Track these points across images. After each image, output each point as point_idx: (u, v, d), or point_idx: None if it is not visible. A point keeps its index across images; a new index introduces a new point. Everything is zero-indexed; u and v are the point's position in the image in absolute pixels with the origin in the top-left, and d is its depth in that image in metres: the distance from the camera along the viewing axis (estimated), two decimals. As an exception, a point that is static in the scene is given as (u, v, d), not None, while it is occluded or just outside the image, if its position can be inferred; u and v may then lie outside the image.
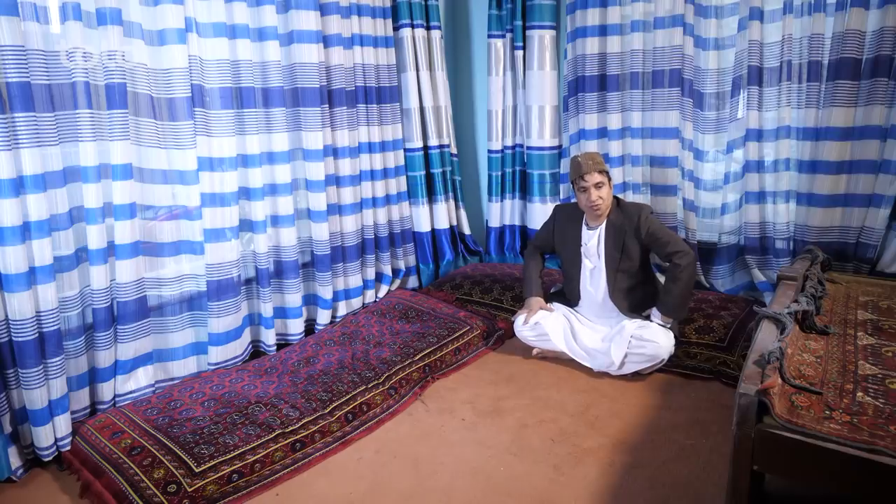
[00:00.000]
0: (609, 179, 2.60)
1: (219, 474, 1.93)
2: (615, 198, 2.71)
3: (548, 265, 3.12)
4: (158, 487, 1.87)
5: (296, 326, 3.01)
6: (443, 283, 3.60)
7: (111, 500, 1.87)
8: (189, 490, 1.86)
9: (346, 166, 3.16)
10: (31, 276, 1.98)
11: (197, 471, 1.92)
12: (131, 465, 1.96)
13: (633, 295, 2.71)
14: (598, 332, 2.74)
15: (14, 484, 2.01)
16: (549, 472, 2.01)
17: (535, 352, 2.86)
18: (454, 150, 3.82)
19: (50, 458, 2.07)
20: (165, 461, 1.96)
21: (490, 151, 3.85)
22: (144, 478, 1.91)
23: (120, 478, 1.92)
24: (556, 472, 2.01)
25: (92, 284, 2.25)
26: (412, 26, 3.45)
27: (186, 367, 2.62)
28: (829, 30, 2.74)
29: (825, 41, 2.76)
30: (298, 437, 2.14)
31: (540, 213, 3.74)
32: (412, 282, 3.76)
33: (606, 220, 2.68)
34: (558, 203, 3.34)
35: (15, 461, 2.01)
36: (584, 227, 2.74)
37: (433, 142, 3.66)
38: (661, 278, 3.00)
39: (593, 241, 2.71)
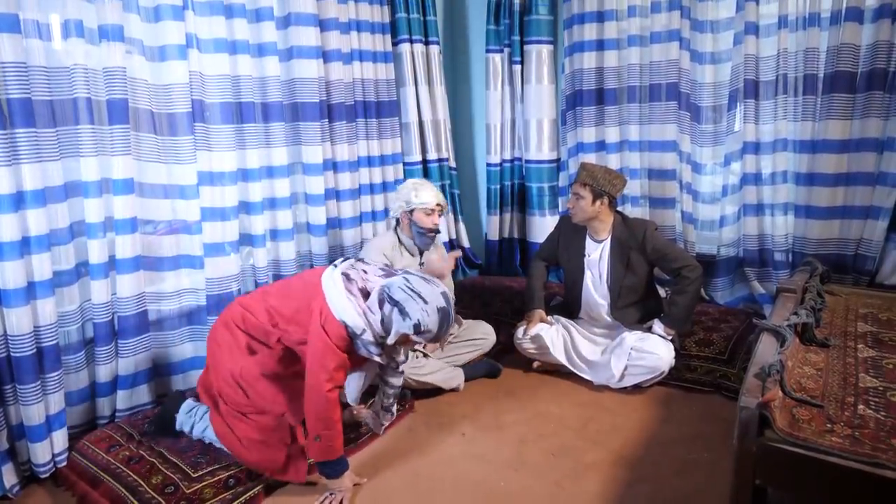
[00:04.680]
0: (595, 195, 2.59)
1: (215, 478, 1.95)
2: (619, 214, 2.72)
3: (549, 278, 3.12)
4: (156, 491, 1.89)
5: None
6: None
7: None
8: (187, 492, 1.88)
9: (345, 180, 3.17)
10: (31, 291, 1.98)
11: (194, 475, 1.95)
12: (129, 472, 1.98)
13: (636, 310, 2.72)
14: (599, 345, 2.74)
15: (10, 501, 1.99)
16: (551, 488, 2.00)
17: (535, 365, 2.85)
18: (453, 164, 3.84)
19: (47, 474, 2.06)
20: (163, 469, 1.98)
21: (489, 165, 3.87)
22: (142, 482, 1.93)
23: (118, 485, 1.94)
24: (557, 488, 2.00)
25: (93, 299, 2.24)
26: (411, 42, 3.47)
27: (186, 381, 2.60)
28: (824, 44, 2.76)
29: (820, 55, 2.79)
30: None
31: (539, 226, 3.74)
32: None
33: (611, 236, 2.68)
34: (563, 214, 3.34)
35: (11, 478, 1.99)
36: (588, 239, 2.75)
37: (432, 155, 3.67)
38: (662, 291, 3.01)
39: (596, 254, 2.72)
